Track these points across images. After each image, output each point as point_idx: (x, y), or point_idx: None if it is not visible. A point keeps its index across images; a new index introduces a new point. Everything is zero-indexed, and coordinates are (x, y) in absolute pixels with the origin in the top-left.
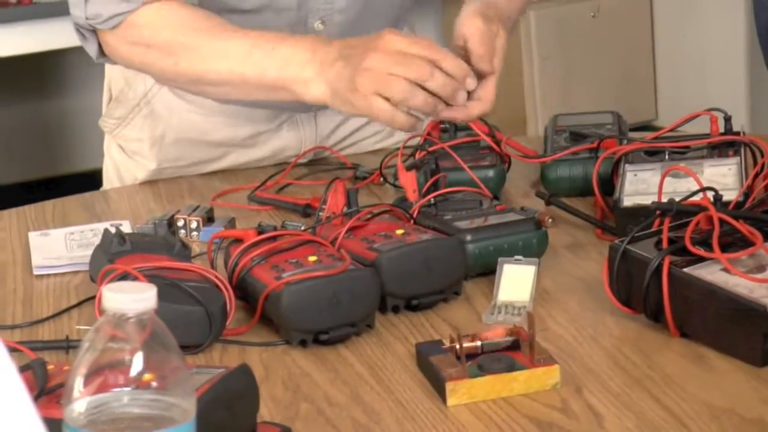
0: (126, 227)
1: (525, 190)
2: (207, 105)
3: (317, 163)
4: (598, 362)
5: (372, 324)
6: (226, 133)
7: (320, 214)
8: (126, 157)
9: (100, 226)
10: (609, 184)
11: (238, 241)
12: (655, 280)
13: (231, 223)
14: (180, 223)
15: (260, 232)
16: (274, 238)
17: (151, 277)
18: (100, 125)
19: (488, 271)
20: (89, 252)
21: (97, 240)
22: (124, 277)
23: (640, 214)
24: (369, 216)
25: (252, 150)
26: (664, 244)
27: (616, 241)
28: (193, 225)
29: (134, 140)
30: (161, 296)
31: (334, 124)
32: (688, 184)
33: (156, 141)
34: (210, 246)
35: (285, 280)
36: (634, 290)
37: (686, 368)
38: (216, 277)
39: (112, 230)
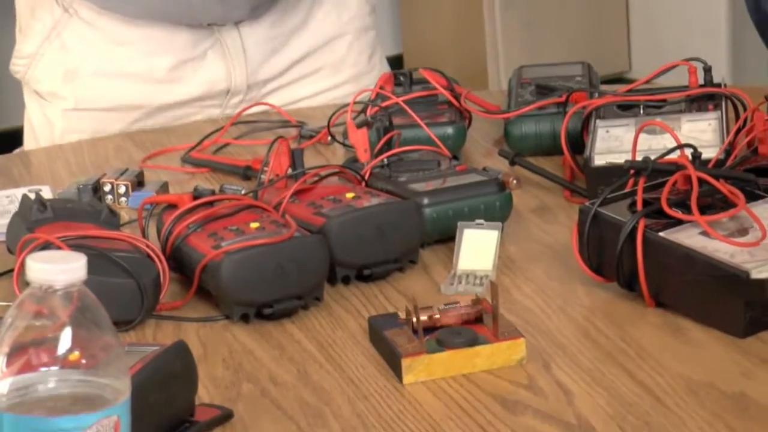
0: (46, 193)
1: (487, 148)
2: (120, 33)
3: (258, 120)
4: (568, 335)
5: (320, 296)
6: (145, 64)
7: (262, 176)
8: (46, 103)
9: (18, 192)
10: (579, 141)
11: (172, 206)
12: (629, 246)
13: (163, 188)
14: (107, 188)
15: (196, 197)
16: (211, 204)
17: (76, 247)
18: (11, 71)
19: (447, 238)
20: (5, 221)
21: (14, 207)
22: (46, 247)
23: (613, 173)
24: (316, 178)
25: (178, 86)
26: (639, 206)
27: (587, 204)
28: (122, 190)
29: (48, 79)
30: (88, 268)
31: (264, 53)
32: (665, 141)
33: (70, 76)
34: (140, 213)
35: (224, 249)
36: (606, 257)
37: (662, 340)
38: (148, 246)
39: (32, 196)
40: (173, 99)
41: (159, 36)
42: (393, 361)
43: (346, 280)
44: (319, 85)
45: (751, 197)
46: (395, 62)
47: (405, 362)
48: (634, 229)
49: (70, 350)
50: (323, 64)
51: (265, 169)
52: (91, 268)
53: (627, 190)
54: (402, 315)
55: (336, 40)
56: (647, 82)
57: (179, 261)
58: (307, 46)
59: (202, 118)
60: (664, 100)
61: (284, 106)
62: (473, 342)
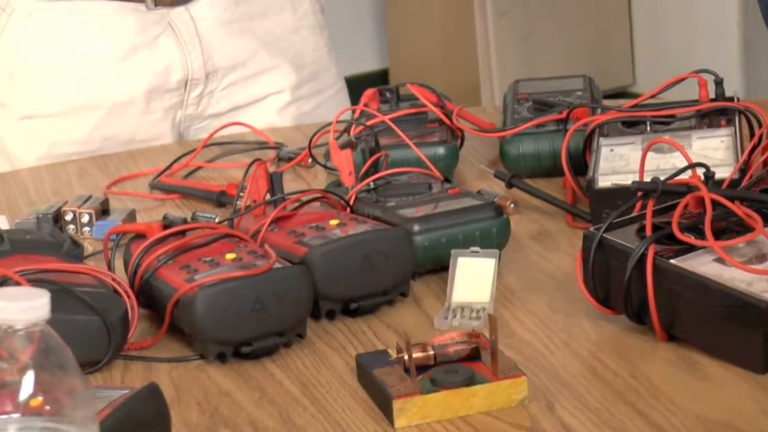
0: (3, 223)
1: (482, 170)
2: (62, 22)
3: (232, 142)
4: (573, 373)
5: (303, 333)
6: (92, 54)
7: (238, 202)
8: None
9: None
10: (581, 161)
11: (140, 237)
12: (638, 274)
13: (130, 216)
14: (69, 217)
15: (166, 226)
16: (183, 233)
17: (37, 282)
18: None
19: (440, 267)
20: None
21: None
22: (4, 282)
23: (619, 196)
24: (297, 204)
25: (131, 78)
26: (648, 231)
27: (591, 229)
28: (85, 219)
29: None
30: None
31: (219, 37)
32: (674, 160)
33: (13, 78)
34: (106, 243)
35: (198, 282)
36: (613, 287)
37: (676, 377)
38: (114, 280)
39: None
40: (129, 93)
41: (104, 23)
42: (383, 402)
43: (330, 315)
44: (281, 81)
45: None
46: (380, 77)
47: (396, 404)
48: (643, 257)
49: (32, 395)
50: (283, 59)
51: (242, 194)
52: (53, 304)
53: (634, 214)
54: (392, 352)
55: (293, 35)
56: (654, 96)
57: (149, 296)
58: (265, 35)
59: (166, 126)
60: (673, 116)
61: (251, 112)
62: (470, 381)
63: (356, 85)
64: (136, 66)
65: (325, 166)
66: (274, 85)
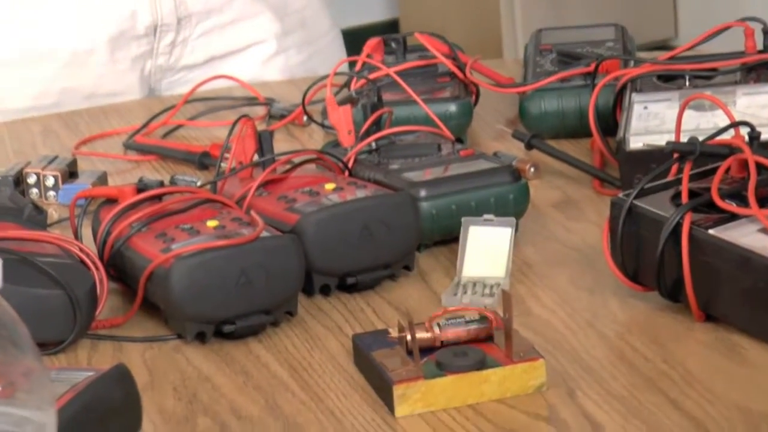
0: None
1: (498, 130)
2: None
3: (217, 97)
4: (597, 356)
5: (294, 310)
6: None
7: (222, 164)
8: None
9: None
10: (610, 120)
11: (112, 201)
12: (672, 246)
13: (101, 179)
14: (31, 180)
15: (141, 190)
16: (159, 198)
17: None
18: None
19: (449, 238)
20: None
21: None
22: None
23: (652, 158)
24: (289, 167)
25: (92, 23)
26: (684, 198)
27: (620, 196)
28: (50, 182)
29: None
30: (7, 276)
31: None
32: (716, 119)
33: None
34: (73, 209)
35: (175, 252)
36: (644, 260)
37: (713, 362)
38: (81, 250)
39: None
40: (89, 41)
41: None
42: (382, 388)
43: (325, 291)
44: (264, 29)
45: None
46: (390, 28)
47: (397, 390)
48: (678, 226)
49: None
50: (264, 4)
51: (226, 155)
52: (11, 275)
53: (669, 178)
54: (394, 332)
55: None
56: (694, 47)
57: (120, 268)
58: None
59: (134, 78)
60: (715, 69)
61: (231, 64)
62: (481, 364)
63: (362, 37)
64: (98, 10)
65: (321, 125)
66: (256, 33)
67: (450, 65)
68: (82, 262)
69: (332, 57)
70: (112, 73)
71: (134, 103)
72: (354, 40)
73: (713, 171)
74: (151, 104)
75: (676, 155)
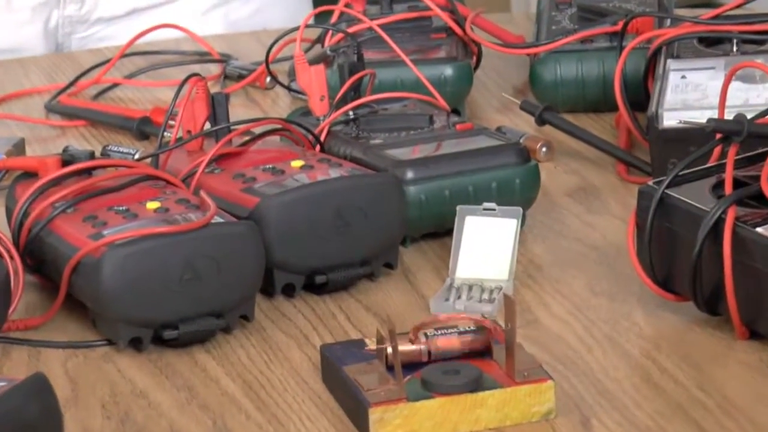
0: None
1: (504, 100)
2: None
3: (161, 51)
4: (618, 378)
5: (250, 314)
6: None
7: (166, 134)
8: None
9: None
10: (641, 91)
11: (30, 175)
12: (712, 246)
13: (18, 148)
14: None
15: (67, 162)
16: (89, 172)
17: None
18: None
19: (442, 231)
20: None
21: None
22: None
23: (690, 139)
24: (248, 138)
25: None
26: (728, 189)
27: (650, 184)
28: None
29: None
30: None
31: None
32: None
33: None
34: None
35: (107, 239)
36: (677, 263)
37: (757, 388)
38: None
39: None
40: None
41: None
42: (356, 411)
43: (288, 291)
44: None
45: None
46: None
47: (374, 414)
48: (719, 222)
49: None
50: None
51: (171, 122)
52: None
53: (711, 164)
54: (371, 343)
55: None
56: (743, 5)
57: (39, 257)
58: None
59: (36, 31)
60: None
61: (158, 17)
62: (477, 385)
63: None
64: None
65: (287, 88)
66: None
67: (446, 19)
68: None
69: (292, 8)
70: (7, 25)
71: (60, 57)
72: None
73: (764, 156)
74: (81, 57)
75: (719, 136)
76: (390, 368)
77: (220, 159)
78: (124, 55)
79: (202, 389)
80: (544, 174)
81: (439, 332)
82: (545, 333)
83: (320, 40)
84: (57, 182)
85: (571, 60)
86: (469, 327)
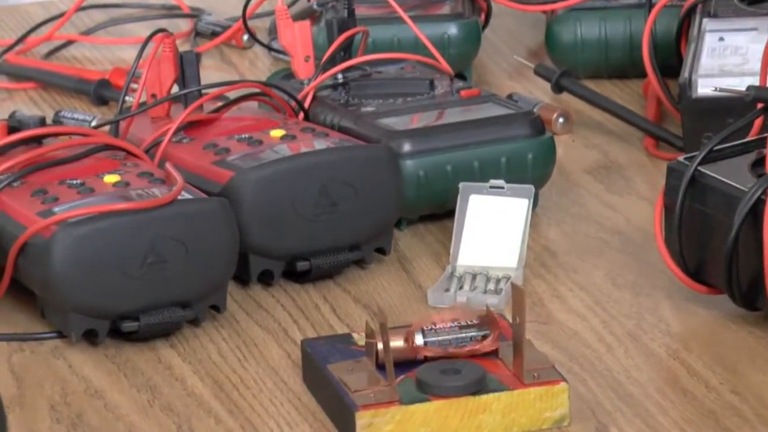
0: None
1: (516, 63)
2: None
3: (123, 4)
4: (641, 381)
5: (222, 305)
6: None
7: (128, 98)
8: None
9: None
10: (672, 55)
11: None
12: (751, 231)
13: None
14: None
15: (13, 129)
16: (39, 141)
17: None
18: None
19: (442, 212)
20: None
21: None
22: None
23: (727, 110)
24: (221, 104)
25: None
26: None
27: (681, 159)
28: None
29: None
30: None
31: None
32: None
33: None
34: None
35: (59, 217)
36: (711, 250)
37: None
38: None
39: None
40: None
41: None
42: (341, 415)
43: (266, 279)
44: None
45: None
46: None
47: (362, 418)
48: (759, 204)
49: None
50: None
51: (134, 85)
52: None
53: (750, 138)
54: (359, 338)
55: None
56: None
57: None
58: None
59: None
60: None
61: None
62: (479, 386)
63: None
64: None
65: (268, 47)
66: None
67: None
68: None
69: None
70: None
71: (3, 10)
72: None
73: None
74: (31, 10)
75: (759, 106)
76: (381, 367)
77: (189, 127)
78: (80, 8)
79: (166, 389)
80: (561, 148)
81: (438, 327)
82: (559, 329)
83: None
84: (2, 152)
85: (593, 18)
86: (472, 321)
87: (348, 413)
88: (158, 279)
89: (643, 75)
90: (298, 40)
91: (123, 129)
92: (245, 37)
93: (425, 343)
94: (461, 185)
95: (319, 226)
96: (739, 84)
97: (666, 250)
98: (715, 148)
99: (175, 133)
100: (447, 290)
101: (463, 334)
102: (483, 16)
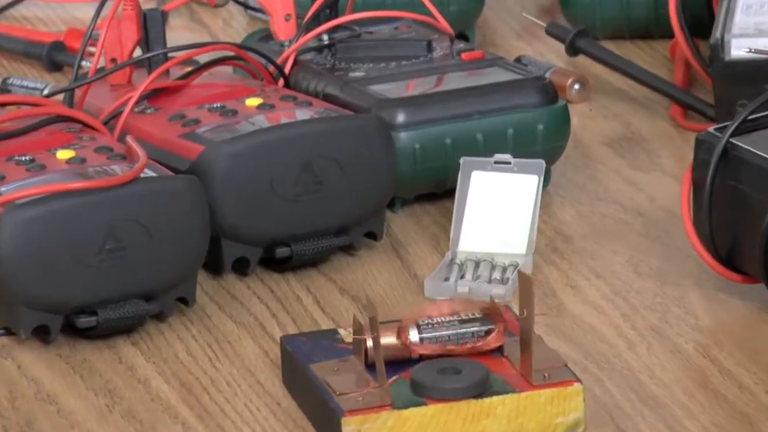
0: None
1: (524, 22)
2: None
3: None
4: (666, 381)
5: (191, 297)
6: None
7: (84, 63)
8: None
9: None
10: (701, 14)
11: None
12: None
13: None
14: None
15: None
16: None
17: None
18: None
19: (441, 191)
20: None
21: None
22: None
23: (763, 74)
24: (190, 69)
25: None
26: None
27: (711, 130)
28: None
29: None
30: None
31: None
32: None
33: None
34: None
35: (4, 198)
36: (745, 233)
37: None
38: None
39: None
40: None
41: None
42: (326, 421)
43: (241, 267)
44: None
45: None
46: None
47: (349, 424)
48: None
49: None
50: None
51: (92, 48)
52: None
53: None
54: (346, 335)
55: None
56: None
57: None
58: None
59: None
60: None
61: None
62: (483, 388)
63: None
64: None
65: (244, 5)
66: None
67: None
68: None
69: None
70: None
71: None
72: None
73: None
74: None
75: None
76: (370, 367)
77: (153, 96)
78: None
79: (128, 393)
80: (576, 118)
81: (436, 321)
82: (573, 323)
83: None
84: None
85: None
86: (474, 315)
87: (333, 419)
88: (118, 268)
89: (669, 35)
90: None
91: (79, 98)
92: None
93: (421, 340)
94: (462, 160)
95: (301, 207)
96: None
97: (694, 232)
98: (750, 117)
99: (138, 102)
100: (446, 279)
101: (464, 330)
102: None
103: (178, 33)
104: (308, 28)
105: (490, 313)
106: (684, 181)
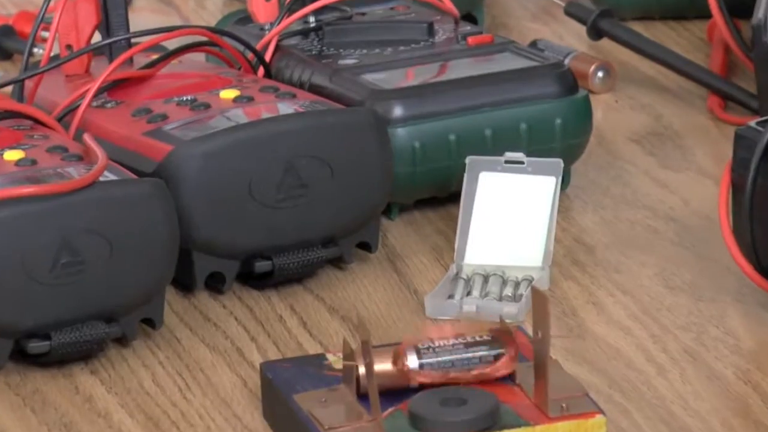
0: None
1: (540, 1)
2: None
3: None
4: (702, 411)
5: (158, 318)
6: None
7: (37, 50)
8: None
9: None
10: None
11: None
12: None
13: None
14: None
15: None
16: None
17: None
18: None
19: (444, 195)
20: None
21: None
22: None
23: None
24: (157, 57)
25: None
26: None
27: (753, 124)
28: None
29: None
30: None
31: None
32: None
33: None
34: None
35: None
36: None
37: None
38: None
39: None
40: None
41: None
42: None
43: (215, 283)
44: None
45: None
46: None
47: None
48: None
49: None
50: None
51: (44, 33)
52: None
53: None
54: (335, 361)
55: None
56: None
57: None
58: None
59: None
60: None
61: None
62: (491, 421)
63: None
64: None
65: None
66: None
67: None
68: None
69: None
70: None
71: None
72: None
73: None
74: None
75: None
76: (363, 397)
77: (115, 87)
78: None
79: (86, 427)
80: (599, 110)
81: (438, 346)
82: (595, 346)
83: None
84: None
85: None
86: (482, 337)
87: None
88: (74, 285)
89: (706, 15)
90: None
91: (29, 90)
92: None
93: (421, 366)
94: (468, 160)
95: (284, 214)
96: None
97: (734, 241)
98: None
99: (97, 95)
100: (450, 297)
101: (470, 354)
102: None
103: (144, 15)
104: (292, 9)
105: (501, 336)
106: (722, 182)
